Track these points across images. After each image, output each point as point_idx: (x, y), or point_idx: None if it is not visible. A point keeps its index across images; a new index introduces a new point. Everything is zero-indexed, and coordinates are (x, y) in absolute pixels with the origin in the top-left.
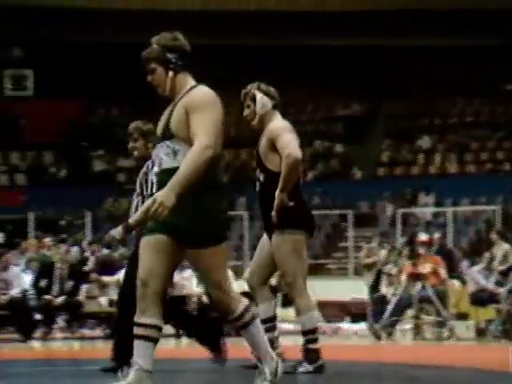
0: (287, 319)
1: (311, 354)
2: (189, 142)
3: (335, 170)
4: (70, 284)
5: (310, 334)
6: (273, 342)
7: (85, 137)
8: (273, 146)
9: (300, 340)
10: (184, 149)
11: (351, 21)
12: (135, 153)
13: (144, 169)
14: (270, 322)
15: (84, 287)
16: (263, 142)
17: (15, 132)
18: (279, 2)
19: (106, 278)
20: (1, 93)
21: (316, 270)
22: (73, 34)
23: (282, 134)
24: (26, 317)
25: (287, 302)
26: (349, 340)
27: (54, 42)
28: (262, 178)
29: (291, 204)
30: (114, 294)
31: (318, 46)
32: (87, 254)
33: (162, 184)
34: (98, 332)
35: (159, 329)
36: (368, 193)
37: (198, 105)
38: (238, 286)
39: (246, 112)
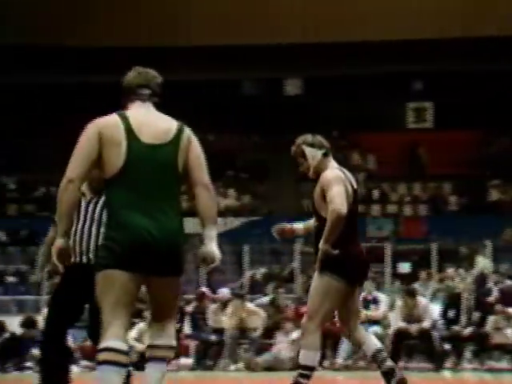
0: None
1: None
2: None
3: None
4: (476, 315)
5: (306, 370)
6: None
7: (482, 167)
8: (324, 196)
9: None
10: None
11: None
12: None
13: None
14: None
15: (490, 318)
16: (317, 191)
17: (417, 163)
18: None
19: (511, 310)
20: (404, 125)
21: None
22: (469, 64)
23: (331, 187)
24: (436, 346)
25: None
26: None
27: (453, 73)
28: (315, 224)
29: (336, 252)
30: None
31: None
32: (490, 284)
33: None
34: (504, 364)
35: None
36: None
37: None
38: None
39: (302, 168)
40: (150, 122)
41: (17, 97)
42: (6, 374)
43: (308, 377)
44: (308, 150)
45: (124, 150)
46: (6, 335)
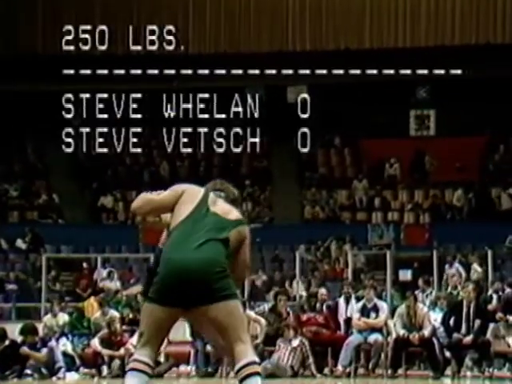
0: None
1: None
2: None
3: None
4: (477, 322)
5: None
6: None
7: (485, 174)
8: None
9: None
10: None
11: None
12: None
13: None
14: None
15: (491, 326)
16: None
17: (420, 170)
18: None
19: (511, 318)
20: (407, 132)
21: None
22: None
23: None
24: (436, 354)
25: None
26: None
27: (456, 80)
28: None
29: None
30: None
31: None
32: (490, 292)
33: None
34: (505, 372)
35: None
36: None
37: None
38: None
39: None
40: None
41: None
42: (6, 381)
43: None
44: None
45: None
46: (7, 342)
